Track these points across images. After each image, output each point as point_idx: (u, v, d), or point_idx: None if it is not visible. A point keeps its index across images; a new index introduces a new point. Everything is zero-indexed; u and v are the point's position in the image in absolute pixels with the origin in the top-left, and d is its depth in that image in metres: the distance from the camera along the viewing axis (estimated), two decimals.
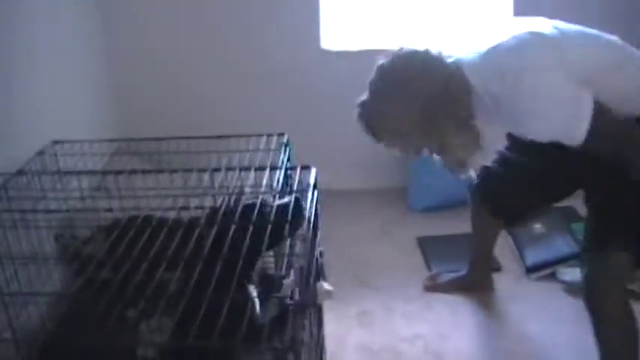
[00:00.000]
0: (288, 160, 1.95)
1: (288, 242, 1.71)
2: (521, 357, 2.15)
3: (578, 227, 2.43)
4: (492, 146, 1.81)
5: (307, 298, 1.47)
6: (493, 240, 2.40)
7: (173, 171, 1.88)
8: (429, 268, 2.64)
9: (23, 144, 2.06)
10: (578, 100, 1.52)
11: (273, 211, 1.60)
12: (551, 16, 1.68)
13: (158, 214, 1.74)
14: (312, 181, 1.74)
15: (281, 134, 2.04)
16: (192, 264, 1.45)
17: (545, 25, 1.62)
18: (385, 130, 1.67)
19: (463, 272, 2.48)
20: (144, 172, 1.91)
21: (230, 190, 1.79)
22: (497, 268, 2.58)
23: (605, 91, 1.57)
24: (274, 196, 1.76)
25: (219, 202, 1.75)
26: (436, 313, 2.37)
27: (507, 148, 2.02)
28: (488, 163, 2.03)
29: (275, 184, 1.82)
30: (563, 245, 2.55)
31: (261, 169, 1.83)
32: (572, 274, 2.36)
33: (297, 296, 1.57)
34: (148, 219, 1.68)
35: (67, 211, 2.01)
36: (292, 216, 1.58)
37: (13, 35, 2.14)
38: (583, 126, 1.51)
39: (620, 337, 1.79)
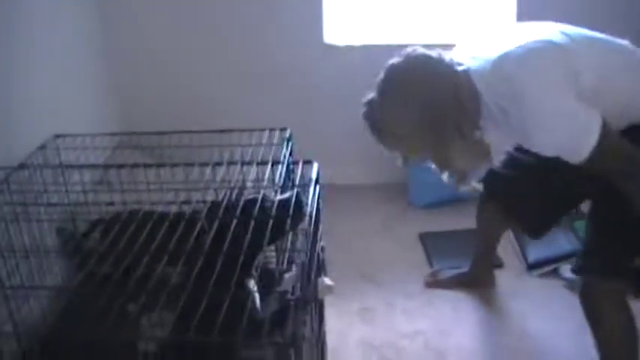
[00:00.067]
0: (290, 154, 1.95)
1: (289, 237, 1.71)
2: (522, 353, 2.15)
3: (581, 225, 2.42)
4: (497, 156, 1.78)
5: (308, 294, 1.47)
6: (498, 238, 2.40)
7: (175, 165, 1.88)
8: (430, 264, 2.64)
9: (25, 138, 2.06)
10: (586, 117, 1.50)
11: (275, 205, 1.60)
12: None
13: (159, 208, 1.74)
14: (314, 176, 1.74)
15: (283, 129, 2.03)
16: (194, 258, 1.45)
17: (553, 31, 1.60)
18: (390, 131, 1.64)
19: (465, 269, 2.48)
20: (146, 165, 1.91)
21: (232, 185, 1.78)
22: (499, 265, 2.58)
23: (613, 96, 1.56)
24: (276, 191, 1.76)
25: (220, 196, 1.75)
26: (437, 310, 2.37)
27: (515, 149, 1.99)
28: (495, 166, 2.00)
29: (277, 178, 1.82)
30: (565, 242, 2.55)
31: (263, 163, 1.83)
32: None
33: (298, 291, 1.56)
34: (148, 213, 1.68)
35: (69, 204, 2.01)
36: (293, 211, 1.58)
37: (15, 32, 2.14)
38: (589, 143, 1.48)
39: (618, 337, 1.77)
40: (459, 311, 2.37)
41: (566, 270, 2.45)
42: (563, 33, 1.60)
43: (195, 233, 1.53)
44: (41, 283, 1.88)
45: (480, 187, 1.96)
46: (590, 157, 1.50)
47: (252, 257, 1.60)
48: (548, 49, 1.56)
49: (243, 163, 1.84)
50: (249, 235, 1.48)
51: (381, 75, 1.63)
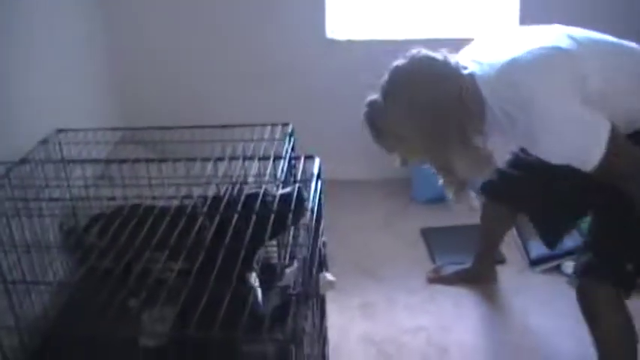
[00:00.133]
0: (292, 150, 1.94)
1: (291, 232, 1.71)
2: (524, 350, 2.15)
3: (584, 223, 2.41)
4: (499, 161, 1.76)
5: (310, 289, 1.46)
6: (501, 237, 2.39)
7: (176, 160, 1.87)
8: (432, 259, 2.63)
9: (27, 132, 2.06)
10: (594, 124, 1.48)
11: (276, 200, 1.59)
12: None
13: (161, 203, 1.74)
14: (315, 171, 1.73)
15: (285, 124, 2.02)
16: (195, 253, 1.44)
17: (559, 36, 1.59)
18: (392, 131, 1.62)
19: (467, 265, 2.48)
20: (147, 161, 1.91)
21: (234, 180, 1.78)
22: (502, 261, 2.57)
23: (620, 99, 1.55)
24: (277, 186, 1.76)
25: (222, 191, 1.75)
26: (439, 305, 2.37)
27: (520, 150, 1.97)
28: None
29: (279, 173, 1.82)
30: (567, 239, 2.54)
31: (265, 158, 1.83)
32: None
33: (299, 286, 1.56)
34: (149, 207, 1.68)
35: (71, 199, 2.01)
36: (294, 206, 1.57)
37: (18, 29, 2.14)
38: (598, 151, 1.47)
39: (615, 338, 1.75)
40: (460, 307, 2.36)
41: (568, 266, 2.45)
42: (569, 36, 1.59)
43: (196, 228, 1.53)
44: (43, 278, 1.88)
45: (477, 205, 1.93)
46: (600, 164, 1.48)
47: (254, 252, 1.61)
48: (554, 55, 1.54)
49: (245, 159, 1.84)
50: (250, 230, 1.48)
51: (385, 76, 1.61)
